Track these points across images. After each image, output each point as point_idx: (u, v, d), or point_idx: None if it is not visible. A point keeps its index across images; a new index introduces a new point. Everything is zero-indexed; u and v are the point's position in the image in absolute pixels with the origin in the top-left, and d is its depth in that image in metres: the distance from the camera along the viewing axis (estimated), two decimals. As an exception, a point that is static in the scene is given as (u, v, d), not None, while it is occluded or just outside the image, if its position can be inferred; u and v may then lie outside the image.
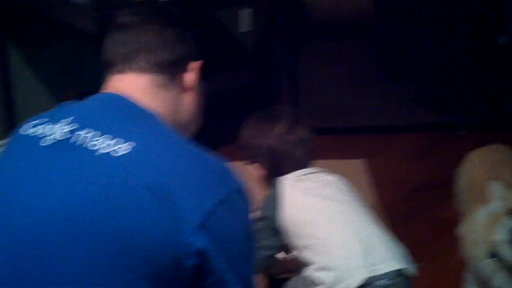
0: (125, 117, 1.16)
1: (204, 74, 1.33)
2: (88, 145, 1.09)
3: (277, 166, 1.85)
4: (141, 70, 1.22)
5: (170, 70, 1.24)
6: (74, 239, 1.03)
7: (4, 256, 1.07)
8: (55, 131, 1.14)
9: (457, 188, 2.39)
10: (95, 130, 1.11)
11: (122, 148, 1.08)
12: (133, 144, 1.08)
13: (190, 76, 1.27)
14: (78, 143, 1.10)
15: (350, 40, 3.48)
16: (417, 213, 2.73)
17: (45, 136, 1.14)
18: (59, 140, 1.12)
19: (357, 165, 2.82)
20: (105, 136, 1.10)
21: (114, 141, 1.09)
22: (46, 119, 1.18)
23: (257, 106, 3.71)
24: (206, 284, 1.07)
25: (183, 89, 1.27)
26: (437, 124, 3.46)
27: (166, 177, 1.05)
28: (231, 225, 1.09)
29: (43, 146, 1.13)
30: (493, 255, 1.90)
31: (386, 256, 1.66)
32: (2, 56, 2.89)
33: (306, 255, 1.72)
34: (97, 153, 1.08)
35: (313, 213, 1.74)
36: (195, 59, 1.29)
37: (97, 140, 1.10)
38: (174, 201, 1.03)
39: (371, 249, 1.66)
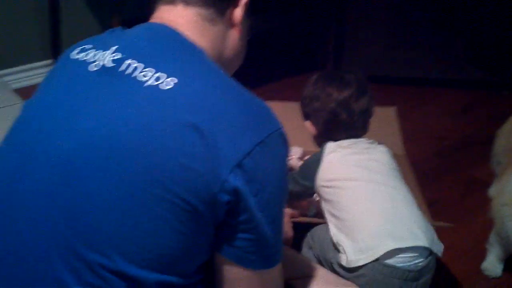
0: (170, 50, 1.15)
1: (252, 11, 1.31)
2: (135, 75, 1.10)
3: (332, 131, 1.83)
4: (190, 2, 1.21)
5: (218, 4, 1.23)
6: (116, 166, 1.05)
7: (48, 179, 1.09)
8: (103, 57, 1.14)
9: (496, 149, 2.37)
10: (138, 61, 1.12)
11: (164, 82, 1.08)
12: (175, 80, 1.08)
13: (238, 11, 1.26)
14: (126, 72, 1.11)
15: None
16: (450, 170, 2.71)
17: (92, 62, 1.15)
18: (107, 67, 1.13)
19: (389, 112, 2.78)
20: (148, 68, 1.10)
21: (157, 74, 1.09)
22: (92, 45, 1.19)
23: (301, 47, 3.75)
24: (238, 221, 1.09)
25: (230, 24, 1.26)
26: (482, 82, 3.40)
27: (208, 115, 1.06)
28: (267, 167, 1.10)
29: (91, 72, 1.14)
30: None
31: (415, 232, 1.65)
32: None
33: (332, 220, 1.73)
34: (145, 84, 1.08)
35: (349, 186, 1.73)
36: None
37: (140, 72, 1.10)
38: (214, 139, 1.04)
39: (400, 223, 1.65)
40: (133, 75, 1.10)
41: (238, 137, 1.06)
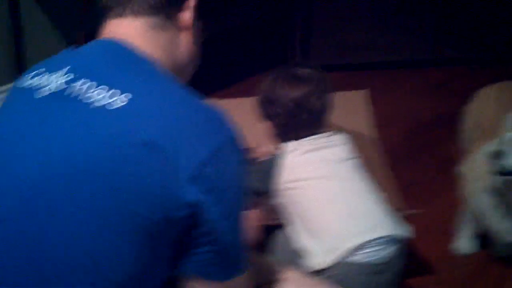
0: (122, 65, 1.15)
1: (207, 10, 1.32)
2: (83, 97, 1.10)
3: (293, 130, 1.81)
4: (139, 12, 1.21)
5: (167, 9, 1.22)
6: (68, 193, 1.05)
7: (3, 212, 1.09)
8: (51, 81, 1.14)
9: (464, 125, 2.37)
10: (91, 81, 1.11)
11: (117, 100, 1.08)
12: (129, 95, 1.08)
13: (187, 14, 1.26)
14: (73, 95, 1.11)
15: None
16: (424, 150, 2.73)
17: (40, 88, 1.15)
18: (54, 92, 1.13)
19: (361, 95, 2.79)
20: (101, 87, 1.10)
21: (110, 92, 1.09)
22: (43, 69, 1.19)
23: (268, 42, 3.74)
24: (199, 233, 1.09)
25: (181, 28, 1.26)
26: (453, 59, 3.41)
27: (161, 130, 1.06)
28: (225, 174, 1.10)
29: (37, 99, 1.14)
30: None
31: (377, 223, 1.66)
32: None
33: (297, 225, 1.73)
34: (91, 106, 1.08)
35: (310, 185, 1.73)
36: None
37: (93, 92, 1.10)
38: (170, 153, 1.04)
39: (362, 217, 1.67)
40: (80, 97, 1.10)
41: (194, 148, 1.06)
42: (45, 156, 1.08)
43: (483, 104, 2.33)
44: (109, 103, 1.08)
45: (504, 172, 1.78)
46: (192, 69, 1.35)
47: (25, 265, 1.07)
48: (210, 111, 1.14)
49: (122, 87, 1.09)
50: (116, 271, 1.06)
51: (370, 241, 1.63)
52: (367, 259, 1.63)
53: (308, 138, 1.80)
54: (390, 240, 1.66)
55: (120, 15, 1.21)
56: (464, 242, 2.19)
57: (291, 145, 1.79)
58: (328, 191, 1.72)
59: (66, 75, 1.14)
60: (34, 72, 1.20)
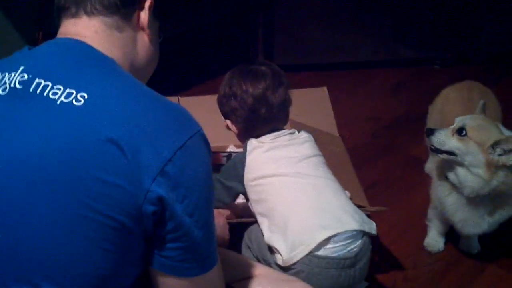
0: (77, 64, 1.13)
1: (163, 11, 1.31)
2: (38, 97, 1.08)
3: (253, 127, 1.81)
4: (94, 12, 1.20)
5: (122, 10, 1.21)
6: (37, 192, 1.04)
7: None
8: (10, 80, 1.12)
9: (429, 124, 2.40)
10: (46, 80, 1.10)
11: (73, 100, 1.06)
12: (85, 95, 1.07)
13: (144, 14, 1.25)
14: (27, 95, 1.09)
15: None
16: (386, 150, 2.76)
17: (0, 86, 1.12)
18: (15, 89, 1.11)
19: (320, 93, 2.79)
20: (56, 87, 1.09)
21: (65, 92, 1.07)
22: None
23: (231, 42, 3.75)
24: (166, 230, 1.09)
25: (138, 28, 1.25)
26: (413, 59, 3.45)
27: (118, 129, 1.04)
28: (191, 171, 1.09)
29: (0, 96, 1.11)
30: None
31: (342, 217, 1.67)
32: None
33: (264, 222, 1.73)
34: (47, 106, 1.07)
35: (274, 182, 1.73)
36: None
37: (48, 91, 1.08)
38: (134, 151, 1.03)
39: (327, 212, 1.67)
40: (44, 94, 1.08)
41: (158, 145, 1.05)
42: (11, 154, 1.05)
43: (444, 103, 2.37)
44: (64, 102, 1.06)
45: (433, 149, 1.93)
46: (151, 69, 1.34)
47: None
48: (172, 109, 1.13)
49: (77, 87, 1.08)
50: (88, 271, 1.05)
51: (336, 235, 1.64)
52: (335, 254, 1.64)
53: (270, 134, 1.80)
54: (357, 234, 1.67)
55: (74, 15, 1.20)
56: (433, 240, 2.22)
57: (252, 142, 1.79)
58: (292, 188, 1.72)
59: (19, 76, 1.12)
60: None
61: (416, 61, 3.44)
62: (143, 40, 1.27)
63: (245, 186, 1.77)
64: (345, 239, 1.65)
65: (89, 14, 1.19)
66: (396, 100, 3.14)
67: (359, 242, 1.67)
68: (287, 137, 1.81)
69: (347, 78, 3.31)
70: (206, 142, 1.14)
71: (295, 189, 1.72)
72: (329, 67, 3.32)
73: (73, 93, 1.07)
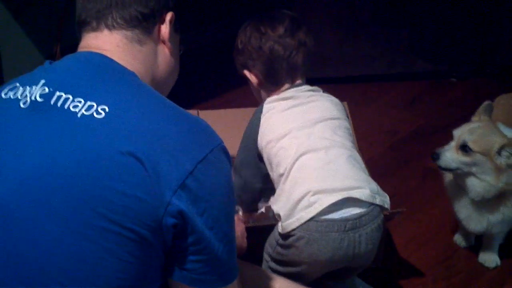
0: (98, 77, 1.14)
1: (184, 25, 1.33)
2: (59, 110, 1.09)
3: (273, 73, 1.76)
4: (115, 26, 1.21)
5: (144, 23, 1.23)
6: (56, 204, 1.04)
7: None
8: (31, 93, 1.13)
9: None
10: (66, 93, 1.11)
11: (94, 113, 1.07)
12: (106, 108, 1.07)
13: (164, 28, 1.27)
14: (48, 108, 1.10)
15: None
16: (404, 163, 2.74)
17: (22, 99, 1.13)
18: (36, 103, 1.12)
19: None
20: (76, 100, 1.09)
21: (86, 105, 1.08)
22: (16, 84, 1.17)
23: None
24: (187, 243, 1.09)
25: (159, 42, 1.27)
26: (429, 72, 3.43)
27: (144, 142, 1.05)
28: (212, 184, 1.09)
29: (22, 109, 1.12)
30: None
31: (352, 186, 1.60)
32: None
33: (277, 193, 1.68)
34: (68, 119, 1.08)
35: (286, 143, 1.68)
36: (169, 10, 1.28)
37: (68, 105, 1.09)
38: (154, 164, 1.04)
39: (337, 177, 1.61)
40: (65, 107, 1.09)
41: (179, 158, 1.06)
42: (32, 165, 1.06)
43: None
44: (85, 115, 1.07)
45: (441, 168, 2.00)
46: (171, 82, 1.35)
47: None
48: (193, 122, 1.14)
49: (98, 99, 1.09)
50: (104, 284, 1.05)
51: (344, 199, 1.58)
52: (337, 216, 1.58)
53: (290, 90, 1.75)
54: (364, 204, 1.60)
55: (95, 29, 1.22)
56: (462, 235, 2.23)
57: (268, 100, 1.75)
58: (303, 152, 1.65)
59: (40, 89, 1.13)
60: (9, 87, 1.18)
61: (432, 74, 3.42)
62: (164, 53, 1.28)
63: (260, 151, 1.73)
64: (349, 205, 1.58)
65: (110, 28, 1.21)
66: (413, 113, 3.12)
67: (364, 208, 1.60)
68: (308, 93, 1.77)
69: (363, 91, 3.30)
70: (227, 155, 1.14)
71: (306, 153, 1.65)
72: (344, 80, 3.31)
73: (93, 106, 1.08)
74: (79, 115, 1.07)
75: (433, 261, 2.19)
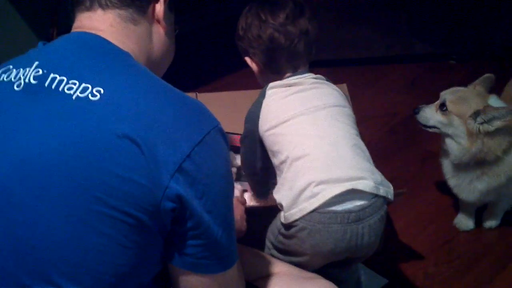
0: (93, 59, 1.12)
1: (182, 4, 1.31)
2: (54, 92, 1.07)
3: (274, 61, 1.71)
4: (108, 5, 1.19)
5: (137, 2, 1.21)
6: (53, 187, 1.02)
7: None
8: (25, 75, 1.11)
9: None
10: (60, 75, 1.09)
11: (89, 95, 1.05)
12: (101, 90, 1.06)
13: (159, 7, 1.24)
14: (43, 90, 1.08)
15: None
16: (404, 146, 2.73)
17: (15, 81, 1.12)
18: (31, 85, 1.10)
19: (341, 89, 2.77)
20: (71, 82, 1.07)
21: (81, 87, 1.06)
22: (12, 65, 1.15)
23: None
24: (186, 228, 1.07)
25: (154, 21, 1.25)
26: (428, 54, 3.40)
27: (140, 124, 1.03)
28: (209, 167, 1.08)
29: (16, 91, 1.10)
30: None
31: (356, 176, 1.55)
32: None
33: (278, 174, 1.65)
34: (62, 101, 1.06)
35: (290, 129, 1.63)
36: None
37: (63, 86, 1.07)
38: (151, 147, 1.02)
39: (341, 167, 1.56)
40: (60, 89, 1.07)
41: (176, 141, 1.04)
42: (28, 147, 1.05)
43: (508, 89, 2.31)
44: (80, 97, 1.05)
45: (420, 123, 2.12)
46: (167, 62, 1.33)
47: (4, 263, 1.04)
48: (190, 104, 1.12)
49: (93, 81, 1.07)
50: (106, 268, 1.04)
51: (347, 191, 1.53)
52: (339, 207, 1.54)
53: (292, 77, 1.71)
54: (367, 195, 1.56)
55: (88, 8, 1.20)
56: (462, 218, 2.24)
57: (272, 86, 1.70)
58: (306, 140, 1.61)
59: (34, 71, 1.11)
60: (0, 70, 1.16)
61: (432, 56, 3.39)
62: (159, 33, 1.26)
63: (262, 137, 1.69)
64: (352, 197, 1.54)
65: (103, 7, 1.19)
66: (413, 96, 3.10)
67: (367, 200, 1.56)
68: (311, 80, 1.72)
69: (362, 74, 3.28)
70: (224, 137, 1.12)
71: (309, 141, 1.61)
72: (343, 63, 3.29)
73: (88, 87, 1.06)
74: (74, 97, 1.06)
75: (434, 244, 2.18)
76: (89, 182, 1.01)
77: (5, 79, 1.13)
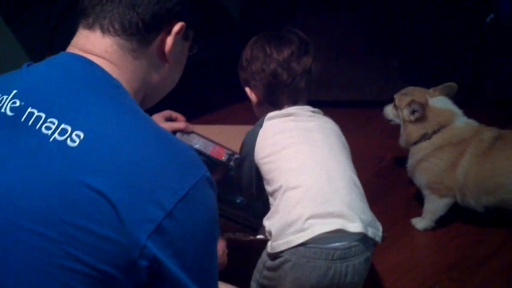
0: (77, 91, 1.03)
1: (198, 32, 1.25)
2: (30, 130, 1.00)
3: (273, 94, 1.73)
4: (110, 30, 1.11)
5: (143, 33, 1.11)
6: (19, 238, 0.96)
7: None
8: (3, 104, 1.04)
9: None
10: (39, 111, 1.01)
11: (67, 139, 0.98)
12: (81, 134, 0.98)
13: (169, 40, 1.15)
14: (29, 123, 1.00)
15: (334, 13, 3.44)
16: (390, 189, 2.75)
17: None
18: (7, 117, 1.02)
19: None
20: (50, 119, 1.00)
21: (59, 128, 0.99)
22: None
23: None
24: (163, 284, 1.01)
25: (158, 53, 1.16)
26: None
27: (119, 179, 0.96)
28: (191, 223, 1.02)
29: None
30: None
31: (347, 215, 1.55)
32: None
33: (271, 201, 1.64)
34: (38, 141, 0.98)
35: (282, 159, 1.64)
36: (180, 20, 1.16)
37: (40, 125, 1.00)
38: (126, 205, 0.95)
39: (333, 206, 1.56)
40: (36, 127, 1.00)
41: (157, 198, 0.97)
42: None
43: None
44: (58, 140, 0.98)
45: (386, 120, 2.61)
46: (164, 92, 1.26)
47: None
48: (177, 151, 1.04)
49: (74, 123, 0.99)
50: None
51: (336, 230, 1.53)
52: (325, 244, 1.54)
53: (291, 108, 1.72)
54: (356, 236, 1.56)
55: (90, 26, 1.12)
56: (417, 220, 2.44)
57: (270, 114, 1.71)
58: (300, 170, 1.61)
59: (11, 101, 1.03)
60: None
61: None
62: (162, 66, 1.19)
63: (257, 164, 1.68)
64: (341, 235, 1.54)
65: (104, 31, 1.11)
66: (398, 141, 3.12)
67: (355, 240, 1.55)
68: (309, 113, 1.73)
69: (353, 117, 3.30)
70: (211, 185, 1.05)
71: (304, 171, 1.61)
72: (334, 104, 3.29)
73: (67, 130, 0.98)
74: (51, 139, 0.98)
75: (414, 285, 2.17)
76: (60, 235, 0.95)
77: None
